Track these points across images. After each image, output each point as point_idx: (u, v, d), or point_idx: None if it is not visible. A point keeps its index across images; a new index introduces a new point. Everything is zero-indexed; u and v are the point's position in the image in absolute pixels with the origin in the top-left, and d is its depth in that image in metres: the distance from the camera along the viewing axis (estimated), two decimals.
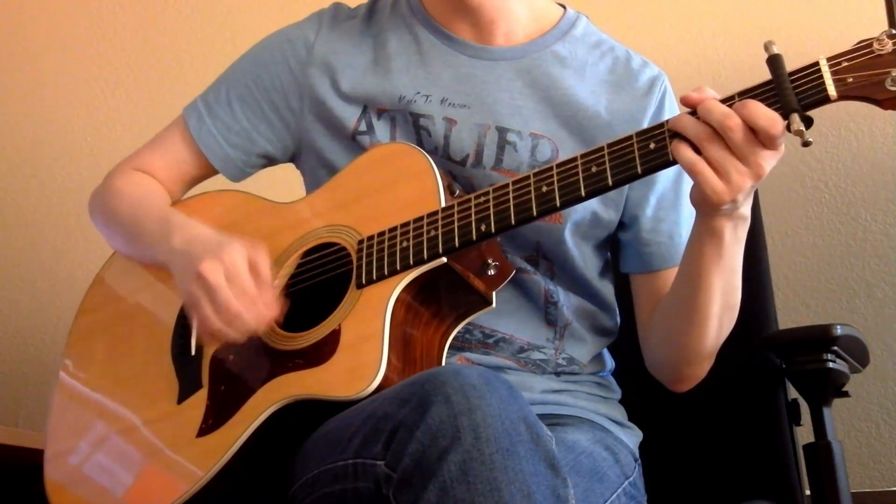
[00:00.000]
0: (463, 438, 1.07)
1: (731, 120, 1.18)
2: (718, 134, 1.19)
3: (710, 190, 1.21)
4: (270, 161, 1.60)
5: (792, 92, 1.17)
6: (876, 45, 1.15)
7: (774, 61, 1.19)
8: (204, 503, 1.32)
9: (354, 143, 1.49)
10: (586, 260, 1.49)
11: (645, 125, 1.46)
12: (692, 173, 1.21)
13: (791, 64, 1.18)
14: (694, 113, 1.22)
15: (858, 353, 1.64)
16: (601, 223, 1.48)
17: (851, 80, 1.15)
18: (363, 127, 1.49)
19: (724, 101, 1.21)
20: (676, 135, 1.22)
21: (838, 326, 1.58)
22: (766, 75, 1.20)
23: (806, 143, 1.16)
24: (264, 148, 1.57)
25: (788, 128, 1.17)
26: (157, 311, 1.51)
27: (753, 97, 1.19)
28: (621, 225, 1.50)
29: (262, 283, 1.33)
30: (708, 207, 1.25)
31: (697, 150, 1.21)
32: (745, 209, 1.28)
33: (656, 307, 1.48)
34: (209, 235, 1.40)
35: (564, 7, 1.57)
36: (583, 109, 1.47)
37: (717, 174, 1.20)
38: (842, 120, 2.23)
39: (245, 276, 1.32)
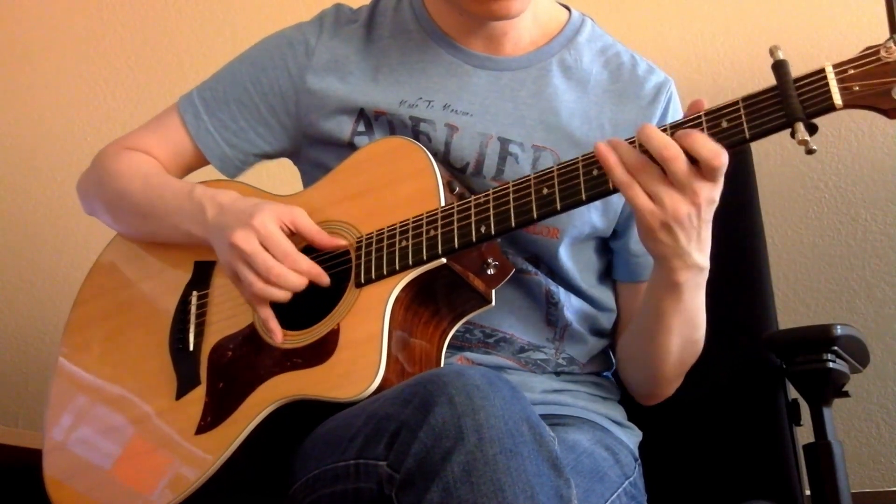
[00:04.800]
0: (466, 439, 1.07)
1: (669, 150, 1.18)
2: (654, 162, 1.19)
3: (642, 210, 1.21)
4: (267, 158, 1.60)
5: (797, 99, 1.15)
6: (883, 53, 1.14)
7: (780, 67, 1.17)
8: (203, 500, 1.33)
9: (351, 148, 1.48)
10: (584, 269, 1.49)
11: None
12: (622, 188, 1.21)
13: (793, 64, 1.17)
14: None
15: (858, 354, 1.64)
16: (598, 232, 1.48)
17: (858, 88, 1.14)
18: (361, 128, 1.49)
19: (727, 107, 1.20)
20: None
21: (838, 326, 1.57)
22: (766, 76, 1.19)
23: (810, 152, 1.15)
24: (262, 148, 1.57)
25: (793, 135, 1.16)
26: (156, 302, 1.51)
27: (757, 103, 1.18)
28: (613, 233, 1.50)
29: (308, 235, 1.36)
30: (656, 246, 1.25)
31: None
32: (700, 259, 1.27)
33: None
34: (238, 203, 1.40)
35: (569, 9, 1.56)
36: (586, 122, 1.46)
37: (650, 198, 1.20)
38: (842, 120, 2.23)
39: (279, 237, 1.34)
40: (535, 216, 1.28)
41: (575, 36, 1.53)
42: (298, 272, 1.34)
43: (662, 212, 1.20)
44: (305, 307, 1.36)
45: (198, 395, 1.39)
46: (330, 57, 1.53)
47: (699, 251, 1.26)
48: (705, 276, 1.31)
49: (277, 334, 1.36)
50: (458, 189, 1.38)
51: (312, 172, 1.54)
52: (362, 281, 1.34)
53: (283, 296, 1.34)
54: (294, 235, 1.37)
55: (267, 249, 1.33)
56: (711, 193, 1.21)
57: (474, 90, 1.48)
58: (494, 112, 1.47)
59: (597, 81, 1.50)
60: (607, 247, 1.52)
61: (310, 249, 1.41)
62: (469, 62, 1.50)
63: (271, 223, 1.35)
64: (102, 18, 2.62)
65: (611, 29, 1.58)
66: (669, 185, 1.20)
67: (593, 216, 1.45)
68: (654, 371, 1.44)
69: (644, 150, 1.21)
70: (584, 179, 1.26)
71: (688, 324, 1.36)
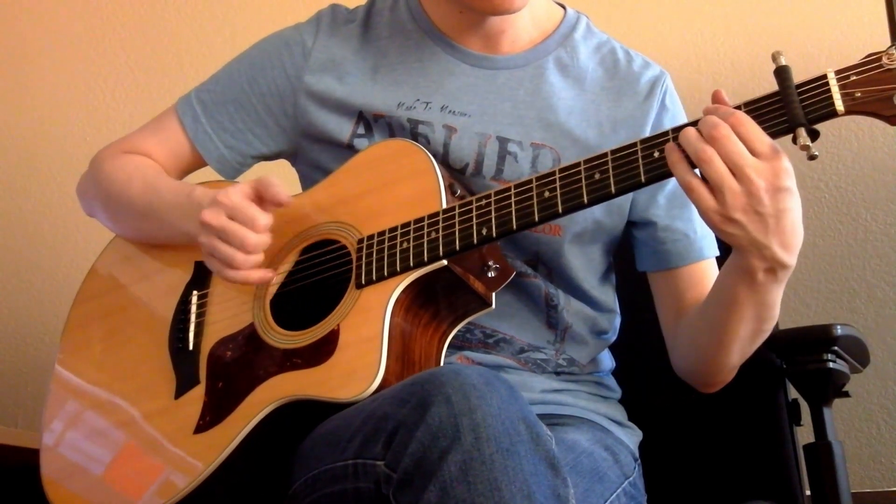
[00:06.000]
0: (463, 438, 1.07)
1: (719, 130, 1.16)
2: (716, 152, 1.16)
3: (702, 207, 1.19)
4: (266, 160, 1.60)
5: (799, 105, 1.15)
6: (885, 60, 1.14)
7: (782, 73, 1.17)
8: (200, 501, 1.33)
9: (350, 149, 1.48)
10: (586, 268, 1.48)
11: (647, 129, 1.46)
12: (685, 189, 1.20)
13: (792, 64, 1.17)
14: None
15: (859, 354, 1.64)
16: (604, 229, 1.47)
17: (859, 94, 1.14)
18: (361, 130, 1.49)
19: None
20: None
21: (839, 326, 1.57)
22: (766, 76, 1.19)
23: (812, 157, 1.15)
24: (259, 150, 1.57)
25: (794, 141, 1.15)
26: (155, 302, 1.51)
27: (759, 108, 1.18)
28: (634, 224, 1.49)
29: (277, 201, 1.35)
30: (727, 238, 1.21)
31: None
32: (781, 254, 1.20)
33: (680, 308, 1.46)
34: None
35: (564, 8, 1.56)
36: (584, 119, 1.46)
37: (710, 192, 1.18)
38: (842, 119, 2.21)
39: (248, 206, 1.33)
40: (536, 219, 1.28)
41: (571, 33, 1.53)
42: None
43: (722, 208, 1.17)
44: (306, 307, 1.36)
45: (197, 395, 1.39)
46: (327, 57, 1.52)
47: (780, 245, 1.20)
48: (788, 273, 1.24)
49: (268, 273, 1.36)
50: (459, 191, 1.37)
51: (311, 174, 1.54)
52: (363, 282, 1.34)
53: (258, 261, 1.34)
54: (264, 203, 1.36)
55: (235, 220, 1.33)
56: (773, 181, 1.16)
57: (472, 90, 1.48)
58: (492, 112, 1.46)
59: (593, 78, 1.50)
60: (611, 248, 1.52)
61: (309, 249, 1.42)
62: (466, 61, 1.49)
63: (235, 194, 1.34)
64: (102, 18, 2.62)
65: (610, 28, 1.58)
66: (730, 173, 1.16)
67: (595, 211, 1.44)
68: (719, 359, 1.38)
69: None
70: (586, 183, 1.25)
71: (760, 315, 1.30)
